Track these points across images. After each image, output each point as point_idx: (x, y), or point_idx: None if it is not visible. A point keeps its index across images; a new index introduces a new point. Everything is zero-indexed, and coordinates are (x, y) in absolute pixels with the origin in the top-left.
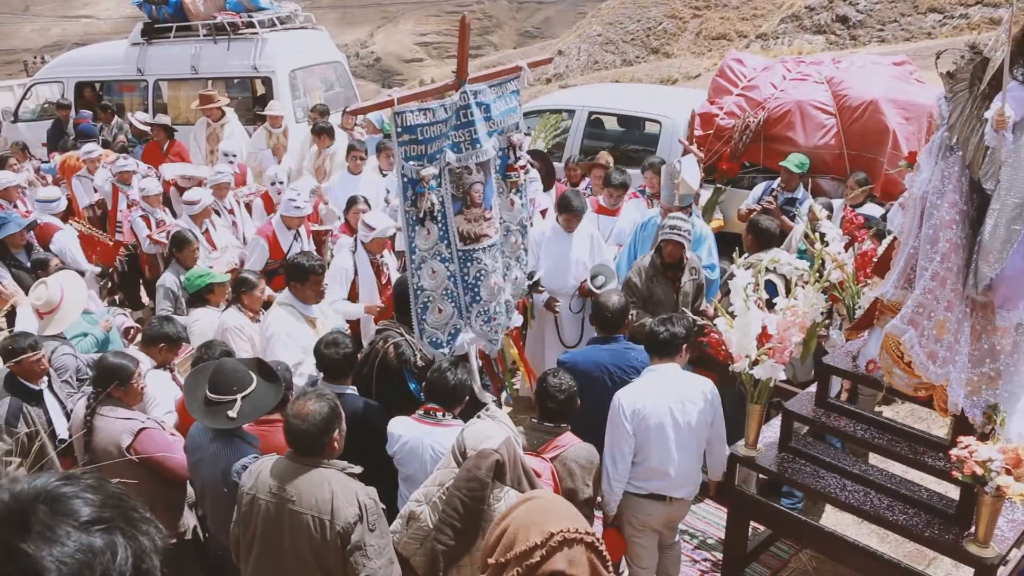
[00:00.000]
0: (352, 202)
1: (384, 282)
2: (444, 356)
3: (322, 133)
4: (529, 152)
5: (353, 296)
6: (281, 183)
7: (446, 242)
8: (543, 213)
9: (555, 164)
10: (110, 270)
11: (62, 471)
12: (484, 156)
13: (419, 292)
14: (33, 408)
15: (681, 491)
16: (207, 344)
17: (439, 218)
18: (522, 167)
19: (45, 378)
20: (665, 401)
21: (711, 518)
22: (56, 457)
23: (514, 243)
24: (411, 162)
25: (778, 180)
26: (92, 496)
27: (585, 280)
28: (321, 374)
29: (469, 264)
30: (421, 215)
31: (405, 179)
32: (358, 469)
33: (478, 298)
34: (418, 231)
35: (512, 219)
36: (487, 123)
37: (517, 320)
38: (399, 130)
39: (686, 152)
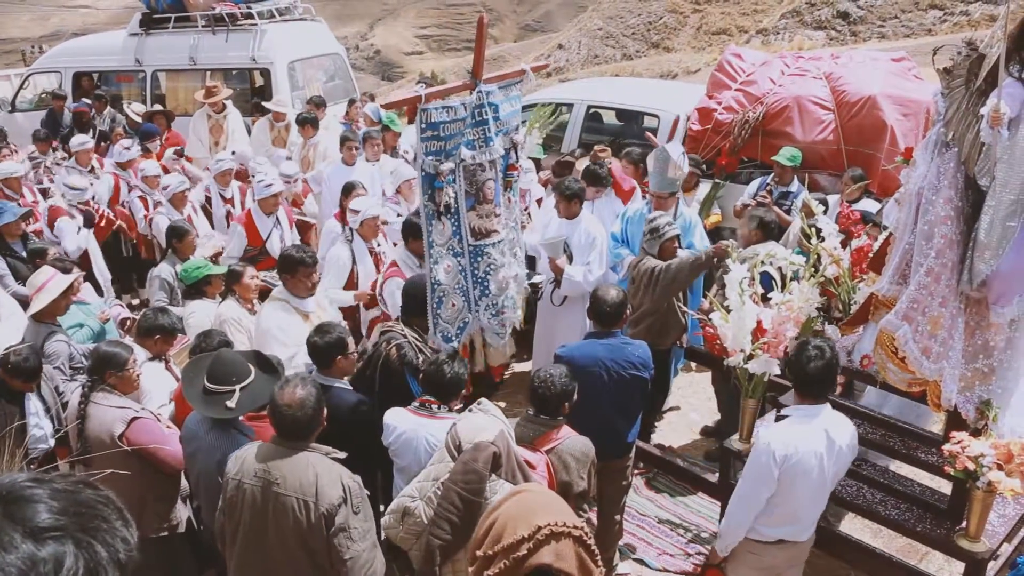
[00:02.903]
0: (350, 188)
1: (384, 269)
2: (454, 348)
3: (305, 123)
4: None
5: (351, 285)
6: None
7: (458, 237)
8: (539, 202)
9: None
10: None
11: (33, 471)
12: (494, 154)
13: (436, 287)
14: (9, 406)
15: (807, 534)
16: (206, 333)
17: (453, 212)
18: (519, 167)
19: None
20: (817, 448)
21: (705, 512)
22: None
23: (512, 240)
24: (430, 157)
25: (772, 175)
26: (55, 502)
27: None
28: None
29: (479, 259)
30: (440, 209)
31: (424, 174)
32: (342, 454)
33: (487, 292)
34: (435, 225)
35: (510, 216)
36: (496, 123)
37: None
38: (423, 126)
39: (653, 146)
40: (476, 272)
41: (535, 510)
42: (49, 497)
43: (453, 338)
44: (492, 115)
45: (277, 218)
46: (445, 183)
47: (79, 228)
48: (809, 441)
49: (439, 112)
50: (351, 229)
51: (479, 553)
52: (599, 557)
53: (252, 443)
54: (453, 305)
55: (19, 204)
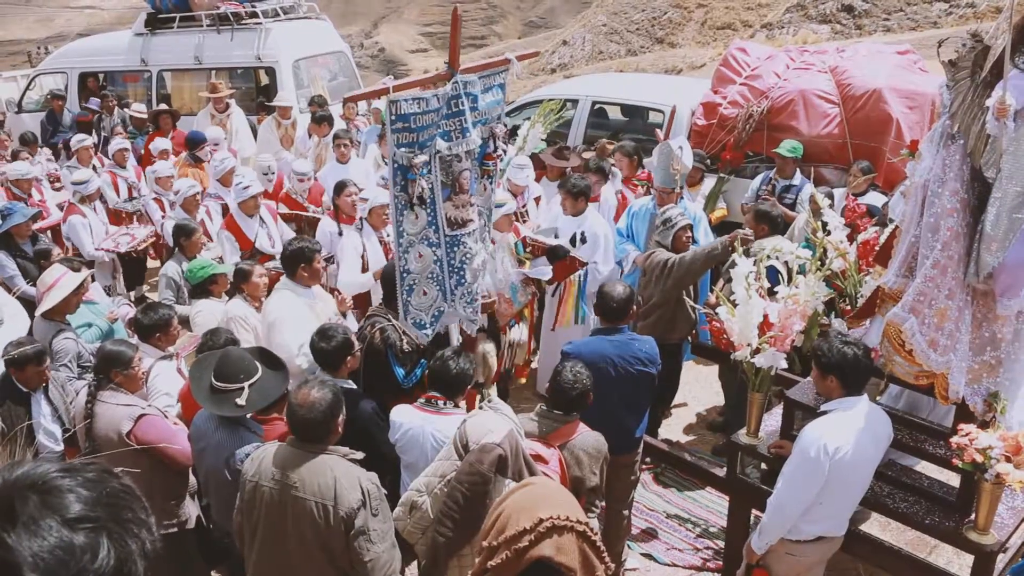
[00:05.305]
0: (342, 186)
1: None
2: (427, 337)
3: (321, 122)
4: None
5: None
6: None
7: (434, 227)
8: (537, 201)
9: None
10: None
11: (65, 461)
12: (471, 145)
13: (405, 275)
14: (15, 407)
15: (845, 528)
16: (213, 331)
17: (428, 204)
18: (498, 156)
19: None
20: (865, 443)
21: (713, 506)
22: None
23: (483, 225)
24: (402, 149)
25: (775, 169)
26: (86, 492)
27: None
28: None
29: (455, 248)
30: (412, 201)
31: (396, 165)
32: (359, 455)
33: (463, 280)
34: (406, 215)
35: (482, 204)
36: (473, 113)
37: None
38: (393, 117)
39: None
40: (452, 262)
41: (539, 503)
42: (79, 487)
43: (427, 325)
44: (469, 105)
45: (261, 218)
46: (419, 175)
47: (91, 229)
48: (857, 430)
49: (409, 104)
50: (362, 219)
51: (484, 544)
52: (605, 553)
53: (269, 444)
54: (424, 293)
55: (27, 204)
